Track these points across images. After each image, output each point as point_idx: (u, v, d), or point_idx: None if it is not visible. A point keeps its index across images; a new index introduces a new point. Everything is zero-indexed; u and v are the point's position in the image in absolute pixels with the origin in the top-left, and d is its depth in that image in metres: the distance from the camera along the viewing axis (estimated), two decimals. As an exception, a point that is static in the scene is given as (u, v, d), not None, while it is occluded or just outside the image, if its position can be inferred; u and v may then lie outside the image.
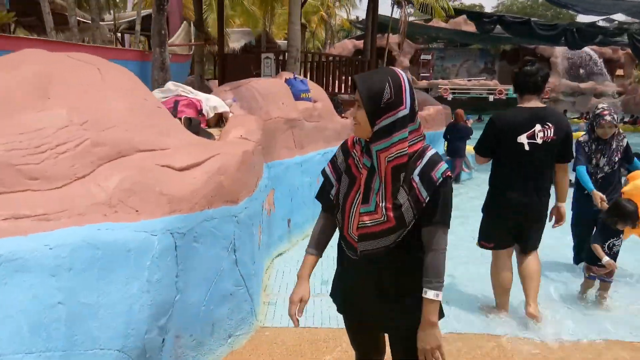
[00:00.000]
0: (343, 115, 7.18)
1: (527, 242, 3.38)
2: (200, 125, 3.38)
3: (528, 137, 3.13)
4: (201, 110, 3.94)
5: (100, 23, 12.65)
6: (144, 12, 10.57)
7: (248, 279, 3.12)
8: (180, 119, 3.22)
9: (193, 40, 7.86)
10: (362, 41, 17.53)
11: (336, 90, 11.03)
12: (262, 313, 3.51)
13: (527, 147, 3.12)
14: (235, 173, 2.92)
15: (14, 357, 1.78)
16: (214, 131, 3.68)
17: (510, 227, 3.35)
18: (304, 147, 5.42)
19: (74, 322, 1.96)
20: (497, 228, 3.40)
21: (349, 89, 11.09)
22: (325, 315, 3.52)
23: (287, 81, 5.79)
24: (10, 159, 2.09)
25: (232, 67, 10.53)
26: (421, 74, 33.16)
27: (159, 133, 2.81)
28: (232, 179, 2.89)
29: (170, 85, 4.02)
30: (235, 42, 19.78)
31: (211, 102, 4.05)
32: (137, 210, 2.33)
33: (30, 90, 2.52)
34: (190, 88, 4.06)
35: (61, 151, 2.27)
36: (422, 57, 33.76)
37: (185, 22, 8.25)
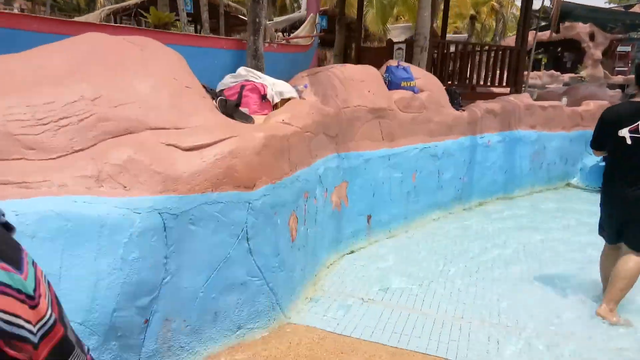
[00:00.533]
0: (462, 107, 6.44)
1: (628, 239, 3.27)
2: (237, 107, 3.28)
3: (630, 131, 3.09)
4: (265, 95, 3.85)
5: (267, 22, 13.68)
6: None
7: (268, 270, 2.94)
8: (220, 99, 3.17)
9: (316, 32, 7.91)
10: (547, 32, 15.53)
11: (481, 83, 10.03)
12: (295, 309, 3.28)
13: (628, 141, 3.09)
14: (252, 157, 2.75)
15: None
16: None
17: (614, 222, 3.34)
18: (395, 139, 4.97)
19: (30, 288, 2.01)
20: (604, 221, 3.45)
21: (496, 82, 9.98)
22: (363, 324, 3.15)
23: (387, 69, 5.39)
24: (10, 128, 2.24)
25: (367, 59, 10.33)
26: (616, 68, 28.47)
27: (181, 112, 2.78)
28: (248, 163, 2.73)
29: (241, 70, 4.02)
30: (395, 38, 19.55)
31: (277, 87, 3.93)
32: (125, 187, 2.32)
33: (66, 68, 2.70)
34: (259, 73, 4.00)
35: (63, 124, 2.37)
36: (620, 48, 28.93)
37: (312, 14, 8.34)
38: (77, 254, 2.12)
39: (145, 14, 10.88)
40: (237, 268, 2.76)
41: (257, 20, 4.93)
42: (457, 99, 6.41)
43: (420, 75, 5.78)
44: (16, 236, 1.88)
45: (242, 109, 3.64)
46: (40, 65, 2.70)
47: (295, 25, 14.21)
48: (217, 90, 3.99)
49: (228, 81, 3.98)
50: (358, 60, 10.51)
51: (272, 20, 17.71)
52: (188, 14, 10.43)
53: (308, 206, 3.45)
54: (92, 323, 2.14)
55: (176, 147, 2.55)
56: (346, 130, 4.33)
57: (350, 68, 4.58)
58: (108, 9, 15.01)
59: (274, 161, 2.92)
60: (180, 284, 2.51)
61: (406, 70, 5.44)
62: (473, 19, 28.29)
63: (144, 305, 2.35)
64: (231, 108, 3.13)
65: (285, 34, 13.88)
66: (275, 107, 3.96)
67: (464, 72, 9.59)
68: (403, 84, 5.34)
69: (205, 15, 7.42)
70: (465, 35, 26.78)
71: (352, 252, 4.52)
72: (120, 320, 2.24)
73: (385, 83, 5.13)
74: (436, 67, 8.89)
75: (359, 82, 4.54)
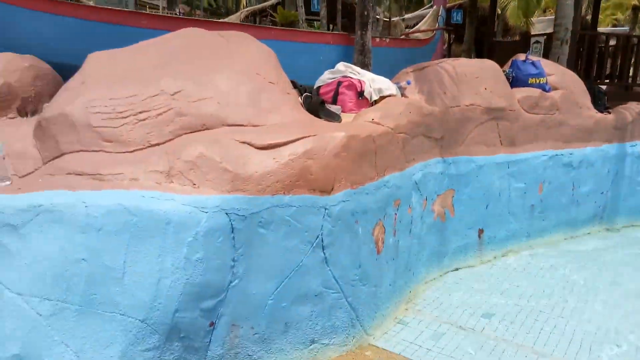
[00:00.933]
0: (608, 109, 5.46)
1: None
2: (322, 104, 3.04)
3: None
4: (362, 91, 3.58)
5: (395, 19, 13.46)
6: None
7: (346, 283, 2.67)
8: (305, 96, 2.97)
9: (438, 26, 7.38)
10: None
11: (639, 82, 8.55)
12: (380, 329, 2.96)
13: None
14: (329, 158, 2.51)
15: (31, 299, 1.96)
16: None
17: None
18: (517, 144, 4.34)
19: (94, 281, 2.02)
20: None
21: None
22: (457, 356, 2.72)
23: (511, 64, 4.76)
24: (91, 120, 2.31)
25: (500, 54, 9.47)
26: None
27: (260, 109, 2.65)
28: (325, 165, 2.49)
29: (340, 66, 3.80)
30: (539, 32, 17.86)
31: (376, 84, 3.63)
32: (194, 184, 2.25)
33: (155, 62, 2.75)
34: (358, 69, 3.74)
35: (142, 118, 2.38)
36: None
37: (435, 7, 7.81)
38: (141, 250, 2.08)
39: (274, 14, 11.31)
40: (311, 277, 2.54)
41: (366, 13, 4.68)
42: (602, 100, 5.45)
43: (555, 71, 5.00)
44: (85, 228, 1.86)
45: (336, 106, 3.43)
46: (134, 59, 2.79)
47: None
48: (315, 87, 3.83)
49: (326, 77, 3.80)
50: (490, 56, 9.68)
51: (403, 16, 17.32)
52: (315, 13, 10.47)
53: (400, 215, 3.11)
54: (153, 321, 2.09)
55: (250, 145, 2.41)
56: (454, 132, 3.87)
57: (463, 62, 4.09)
58: (247, 11, 16.00)
59: (355, 164, 2.64)
60: (248, 289, 2.37)
61: (535, 65, 4.73)
62: (636, 9, 24.69)
63: (209, 308, 2.25)
64: (316, 105, 2.93)
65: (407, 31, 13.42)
66: (372, 105, 3.67)
67: (620, 69, 8.23)
68: (531, 80, 4.65)
69: (323, 12, 7.42)
70: (626, 28, 23.45)
71: (457, 269, 4.03)
72: (183, 321, 2.17)
73: (508, 79, 4.51)
74: (581, 63, 7.76)
75: (473, 78, 4.03)
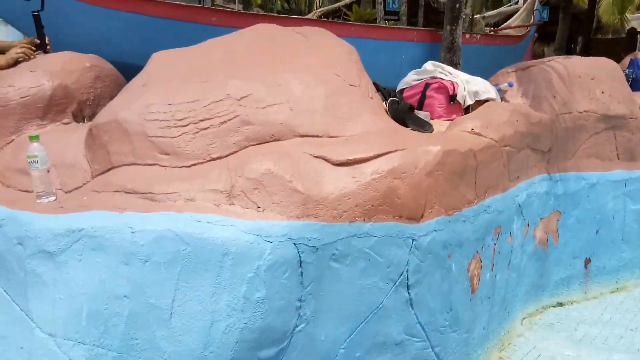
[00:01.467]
0: None
1: None
2: (412, 109, 2.56)
3: None
4: (454, 95, 3.07)
5: (477, 16, 12.61)
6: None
7: (434, 330, 2.20)
8: (391, 101, 2.51)
9: (533, 21, 6.61)
10: None
11: None
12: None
13: None
14: (421, 178, 2.05)
15: (65, 342, 1.68)
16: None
17: None
18: (637, 158, 3.63)
19: (137, 322, 1.71)
20: None
21: None
22: None
23: (631, 62, 4.03)
24: (147, 129, 2.00)
25: (599, 53, 8.48)
26: None
27: (338, 117, 2.24)
28: (415, 186, 2.04)
29: (428, 65, 3.30)
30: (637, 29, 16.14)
31: (472, 86, 3.10)
32: (258, 207, 1.88)
33: (223, 62, 2.42)
34: (450, 68, 3.22)
35: (204, 127, 2.04)
36: None
37: (530, 0, 7.02)
38: (193, 286, 1.74)
39: (348, 13, 10.87)
40: (392, 323, 2.10)
41: (457, 6, 4.12)
42: None
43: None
44: (129, 257, 1.56)
45: (423, 112, 2.95)
46: (201, 59, 2.47)
47: (509, 19, 12.70)
48: (398, 89, 3.36)
49: (411, 79, 3.31)
50: (586, 55, 8.68)
51: (484, 14, 16.28)
52: (393, 12, 9.92)
53: (499, 245, 2.58)
54: (203, 373, 1.75)
55: (325, 160, 2.01)
56: (564, 144, 3.25)
57: (576, 61, 3.45)
58: (319, 11, 15.69)
59: (452, 185, 2.16)
60: (316, 335, 1.97)
61: (661, 64, 3.97)
62: None
63: (269, 357, 1.88)
64: (403, 112, 2.47)
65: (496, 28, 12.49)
66: (467, 110, 3.15)
67: None
68: (656, 83, 3.91)
69: (403, 8, 6.89)
70: None
71: (559, 304, 3.41)
72: (238, 373, 1.81)
73: (628, 81, 3.80)
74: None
75: (588, 79, 3.38)
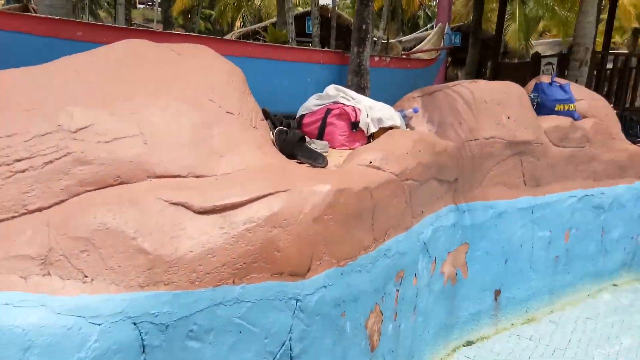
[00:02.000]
0: (639, 140, 4.73)
1: None
2: (302, 140, 2.24)
3: None
4: (357, 122, 2.80)
5: (393, 40, 12.76)
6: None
7: (326, 404, 1.85)
8: (279, 130, 2.18)
9: (444, 45, 6.66)
10: None
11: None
12: None
13: None
14: (306, 226, 1.71)
15: None
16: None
17: None
18: (542, 184, 3.57)
19: None
20: None
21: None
22: None
23: (535, 87, 4.01)
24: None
25: (506, 77, 8.78)
26: None
27: (210, 151, 1.85)
28: (299, 235, 1.69)
29: (330, 89, 3.01)
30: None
31: (375, 113, 2.85)
32: (86, 276, 1.44)
33: (73, 85, 1.95)
34: (353, 93, 2.96)
35: (20, 169, 1.57)
36: None
37: (440, 24, 7.11)
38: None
39: (263, 33, 10.58)
40: (274, 403, 1.73)
41: (364, 27, 3.91)
42: (635, 128, 4.72)
43: (584, 96, 4.27)
44: None
45: (322, 142, 2.64)
46: (42, 81, 1.98)
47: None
48: (298, 115, 3.04)
49: (312, 103, 3.01)
50: (495, 79, 8.99)
51: (400, 38, 16.70)
52: (309, 35, 9.72)
53: (402, 291, 2.30)
54: None
55: (186, 207, 1.61)
56: (471, 172, 3.09)
57: (482, 85, 3.32)
58: (238, 32, 15.24)
59: (344, 230, 1.85)
60: None
61: (564, 89, 3.99)
62: (637, 33, 24.35)
63: None
64: (293, 143, 2.13)
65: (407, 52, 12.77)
66: (370, 139, 2.90)
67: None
68: (558, 107, 3.90)
69: (316, 29, 6.64)
70: (625, 51, 23.04)
71: (469, 343, 3.22)
72: None
73: (533, 105, 3.75)
74: (600, 86, 7.05)
75: (494, 104, 3.26)
